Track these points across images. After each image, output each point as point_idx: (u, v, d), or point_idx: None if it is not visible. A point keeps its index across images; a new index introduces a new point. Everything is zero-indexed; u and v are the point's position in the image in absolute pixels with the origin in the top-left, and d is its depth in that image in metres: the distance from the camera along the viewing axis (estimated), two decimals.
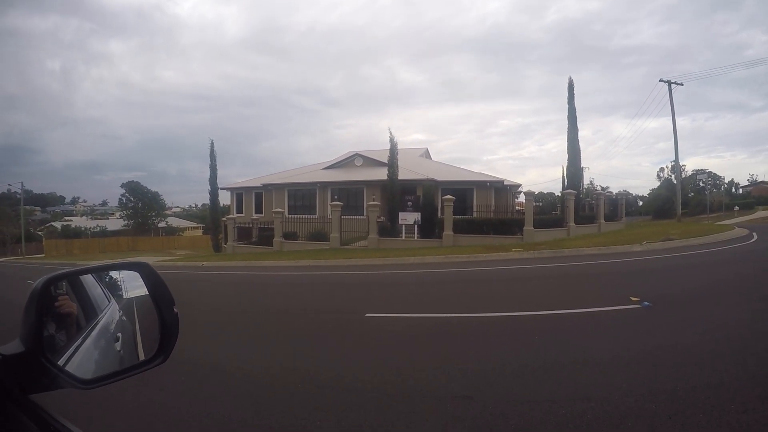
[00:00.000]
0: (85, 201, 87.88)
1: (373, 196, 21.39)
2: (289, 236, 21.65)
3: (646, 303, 6.13)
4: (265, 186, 28.04)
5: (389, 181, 20.75)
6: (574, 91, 25.17)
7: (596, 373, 3.64)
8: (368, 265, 14.38)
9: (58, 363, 0.88)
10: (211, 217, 24.99)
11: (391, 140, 21.07)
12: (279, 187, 27.55)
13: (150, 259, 25.17)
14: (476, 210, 23.11)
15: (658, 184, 61.19)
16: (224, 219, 25.16)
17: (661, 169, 57.32)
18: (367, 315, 6.45)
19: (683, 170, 60.98)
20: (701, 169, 60.57)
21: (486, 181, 27.17)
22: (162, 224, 49.38)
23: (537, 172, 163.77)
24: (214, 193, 25.11)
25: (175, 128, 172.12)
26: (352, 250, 18.90)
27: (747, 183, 72.09)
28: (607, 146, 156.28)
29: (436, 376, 3.77)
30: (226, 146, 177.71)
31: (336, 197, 23.83)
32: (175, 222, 52.88)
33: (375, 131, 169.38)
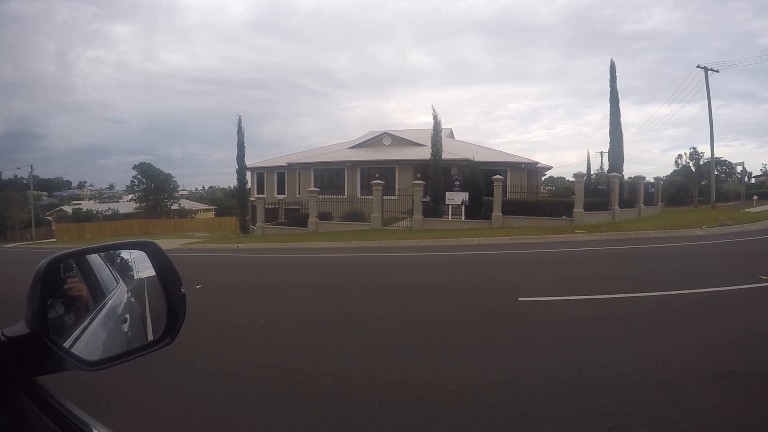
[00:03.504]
0: (92, 185, 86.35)
1: (418, 175, 20.04)
2: (323, 217, 20.36)
3: None
4: (290, 165, 26.70)
5: (432, 160, 19.41)
6: (616, 74, 24.14)
7: None
8: (435, 246, 13.38)
9: (64, 345, 0.86)
10: (238, 198, 23.49)
11: (435, 117, 19.67)
12: (305, 167, 26.22)
13: (175, 242, 23.96)
14: (510, 191, 22.09)
15: (671, 171, 59.77)
16: (251, 199, 23.83)
17: (679, 156, 55.67)
18: (521, 299, 5.67)
19: (701, 158, 59.64)
20: (720, 158, 59.14)
21: (521, 163, 26.14)
22: (174, 206, 48.01)
23: (544, 156, 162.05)
24: (241, 173, 23.64)
25: (180, 111, 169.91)
26: (399, 231, 17.71)
27: (760, 173, 70.78)
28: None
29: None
30: (231, 129, 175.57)
31: (376, 176, 22.49)
32: (186, 204, 51.43)
33: (382, 113, 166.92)
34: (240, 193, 23.35)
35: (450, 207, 18.59)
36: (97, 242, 1.41)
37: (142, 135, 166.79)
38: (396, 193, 22.88)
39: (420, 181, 18.64)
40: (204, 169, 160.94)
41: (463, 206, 18.43)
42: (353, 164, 24.92)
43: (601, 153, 40.87)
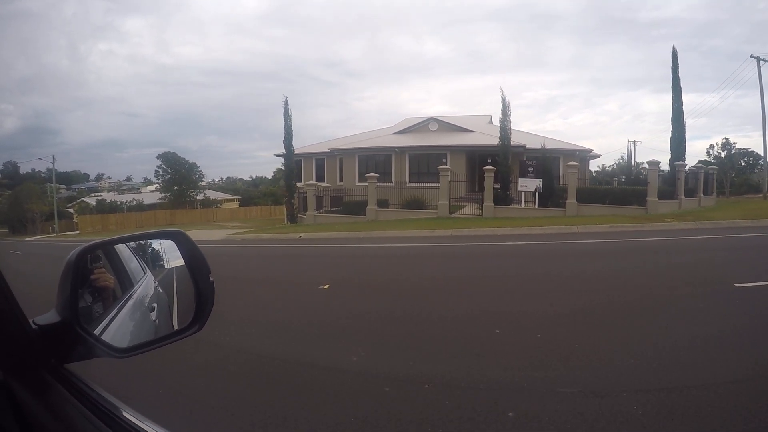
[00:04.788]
0: (109, 177, 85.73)
1: (489, 160, 18.74)
2: (380, 204, 19.14)
3: None
4: (332, 151, 25.47)
5: (501, 146, 18.13)
6: (678, 61, 22.80)
7: None
8: (534, 235, 12.45)
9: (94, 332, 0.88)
10: (286, 184, 22.08)
11: (503, 100, 18.42)
12: (348, 153, 24.99)
13: (218, 233, 22.91)
14: (563, 180, 20.92)
15: (696, 161, 58.49)
16: (299, 186, 22.57)
17: (711, 146, 54.28)
18: (737, 285, 5.31)
19: (732, 148, 57.94)
20: (747, 149, 57.34)
21: (574, 150, 24.99)
22: (200, 197, 46.81)
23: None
24: (289, 157, 22.20)
25: (195, 104, 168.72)
26: (471, 219, 16.60)
27: None
28: (633, 121, 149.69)
29: None
30: (244, 120, 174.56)
31: (443, 162, 21.41)
32: (210, 195, 50.27)
33: (397, 102, 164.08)
34: (288, 178, 21.97)
35: (523, 194, 17.38)
36: (123, 234, 1.24)
37: (158, 128, 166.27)
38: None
39: (491, 167, 17.37)
40: (220, 160, 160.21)
41: (537, 193, 17.24)
42: (402, 150, 23.65)
43: (634, 142, 39.67)
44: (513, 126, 18.99)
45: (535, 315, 4.60)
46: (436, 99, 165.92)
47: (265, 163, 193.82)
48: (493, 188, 17.48)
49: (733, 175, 56.41)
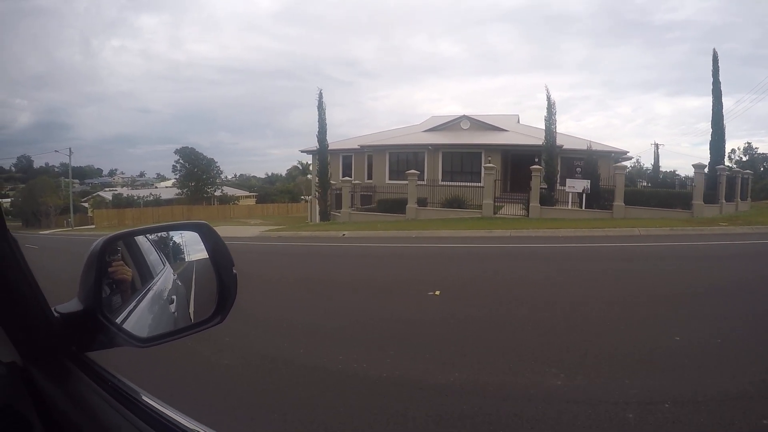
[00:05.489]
0: (123, 173, 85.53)
1: (536, 159, 18.28)
2: (420, 203, 18.71)
3: None
4: (362, 147, 25.01)
5: (546, 145, 17.67)
6: (719, 64, 22.51)
7: None
8: (598, 237, 11.98)
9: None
10: (320, 180, 21.50)
11: (548, 98, 17.99)
12: (379, 150, 24.53)
13: (250, 230, 22.52)
14: (602, 181, 20.51)
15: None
16: (333, 183, 22.09)
17: (733, 150, 53.57)
18: None
19: (755, 152, 57.21)
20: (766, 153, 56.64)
21: (610, 152, 24.42)
22: (218, 193, 46.34)
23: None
24: (322, 152, 21.61)
25: (207, 101, 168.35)
26: (518, 220, 16.23)
27: None
28: (646, 124, 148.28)
29: None
30: (258, 118, 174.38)
31: (488, 160, 21.07)
32: (228, 191, 49.84)
33: (410, 102, 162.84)
34: (322, 173, 21.42)
35: (570, 195, 16.94)
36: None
37: (171, 124, 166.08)
38: (481, 179, 21.32)
39: (538, 167, 16.92)
40: (232, 157, 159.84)
41: (584, 194, 16.81)
42: (435, 148, 23.18)
43: (657, 145, 39.05)
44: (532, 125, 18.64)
45: (709, 318, 4.23)
46: (449, 99, 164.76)
47: (277, 161, 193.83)
48: (542, 189, 17.03)
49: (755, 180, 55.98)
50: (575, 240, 11.32)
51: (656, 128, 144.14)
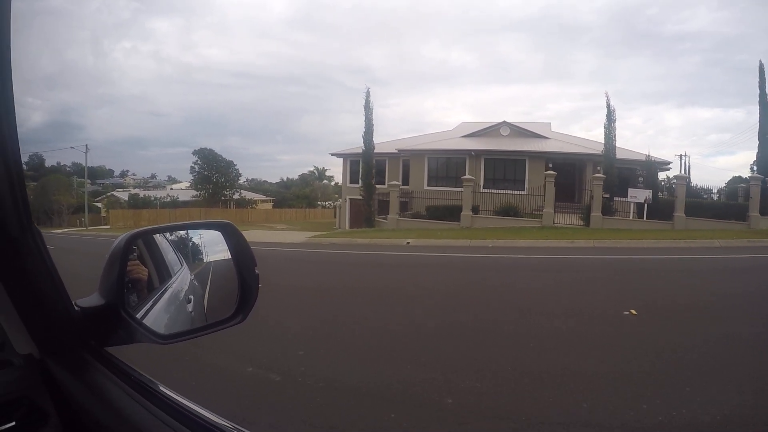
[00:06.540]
0: (134, 174, 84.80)
1: (598, 168, 17.96)
2: (472, 210, 18.37)
3: None
4: (400, 152, 24.64)
5: (605, 154, 17.41)
6: (765, 75, 22.52)
7: None
8: (677, 248, 11.77)
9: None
10: (364, 184, 20.90)
11: (608, 105, 17.68)
12: (417, 154, 24.16)
13: (295, 235, 21.99)
14: (670, 191, 20.39)
15: (731, 177, 57.92)
16: (380, 188, 21.62)
17: (754, 162, 53.49)
18: None
19: None
20: None
21: (653, 160, 24.22)
22: (236, 196, 45.73)
23: None
24: (368, 154, 20.92)
25: (219, 105, 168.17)
26: (579, 230, 15.93)
27: None
28: (656, 135, 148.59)
29: None
30: (268, 123, 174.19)
31: (549, 167, 20.82)
32: (246, 195, 49.25)
33: (420, 110, 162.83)
34: (366, 177, 20.87)
35: (632, 205, 16.67)
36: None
37: (182, 128, 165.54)
38: (525, 187, 21.06)
39: (601, 176, 16.63)
40: (243, 162, 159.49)
41: (646, 205, 16.56)
42: (477, 153, 22.85)
43: (680, 156, 39.06)
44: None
45: None
46: (460, 108, 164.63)
47: (288, 166, 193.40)
48: (604, 197, 16.76)
49: None
50: (668, 252, 10.98)
51: (667, 140, 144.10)
